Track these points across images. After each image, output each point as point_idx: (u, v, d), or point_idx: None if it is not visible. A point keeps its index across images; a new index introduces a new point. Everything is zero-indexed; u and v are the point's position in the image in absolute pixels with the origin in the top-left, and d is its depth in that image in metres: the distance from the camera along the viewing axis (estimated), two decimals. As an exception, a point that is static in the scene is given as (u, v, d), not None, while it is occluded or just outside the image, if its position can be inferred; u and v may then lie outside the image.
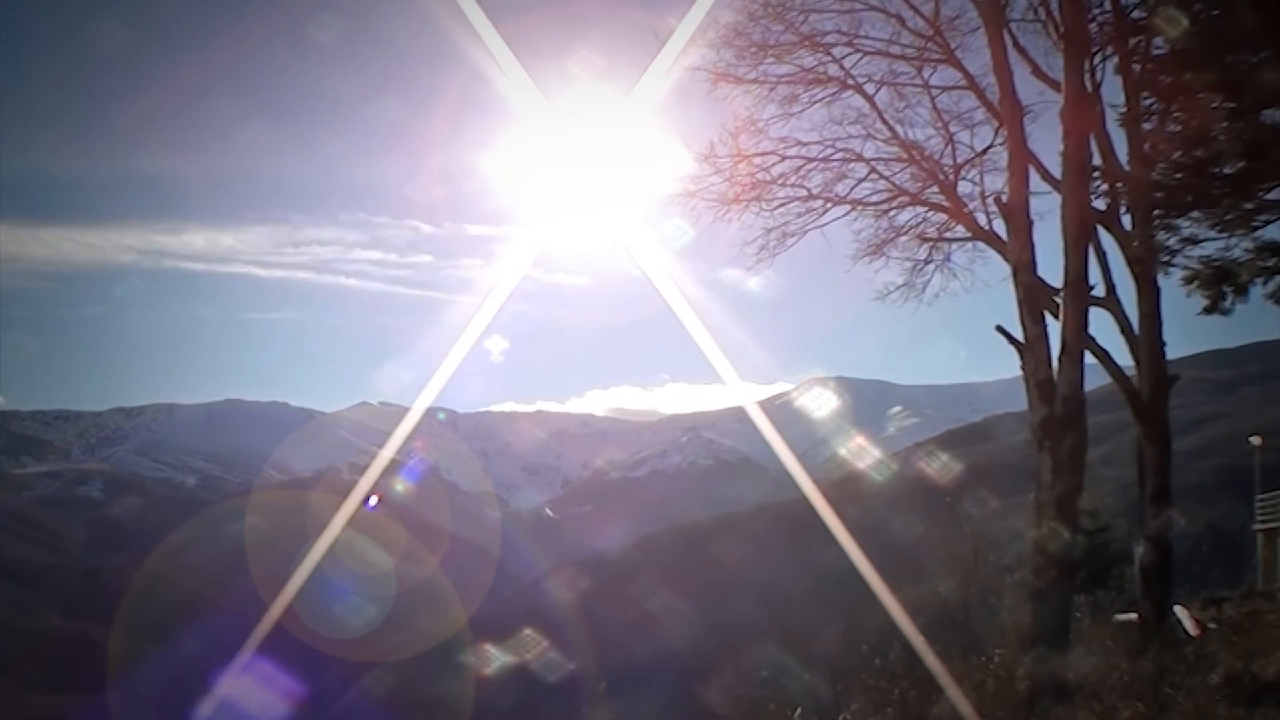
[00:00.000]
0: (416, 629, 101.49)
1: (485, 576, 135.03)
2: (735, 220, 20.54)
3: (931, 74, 19.98)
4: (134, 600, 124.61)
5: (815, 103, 20.11)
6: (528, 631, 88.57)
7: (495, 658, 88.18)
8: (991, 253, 19.98)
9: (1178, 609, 18.63)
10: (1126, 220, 19.98)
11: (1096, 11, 18.99)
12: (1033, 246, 17.13)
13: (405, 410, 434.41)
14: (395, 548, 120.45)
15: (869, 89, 20.05)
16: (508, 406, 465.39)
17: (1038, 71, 19.08)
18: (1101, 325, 19.09)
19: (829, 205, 20.65)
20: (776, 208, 20.54)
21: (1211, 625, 16.96)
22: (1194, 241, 19.21)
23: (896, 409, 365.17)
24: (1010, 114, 17.35)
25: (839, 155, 20.41)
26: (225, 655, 79.79)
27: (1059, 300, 16.83)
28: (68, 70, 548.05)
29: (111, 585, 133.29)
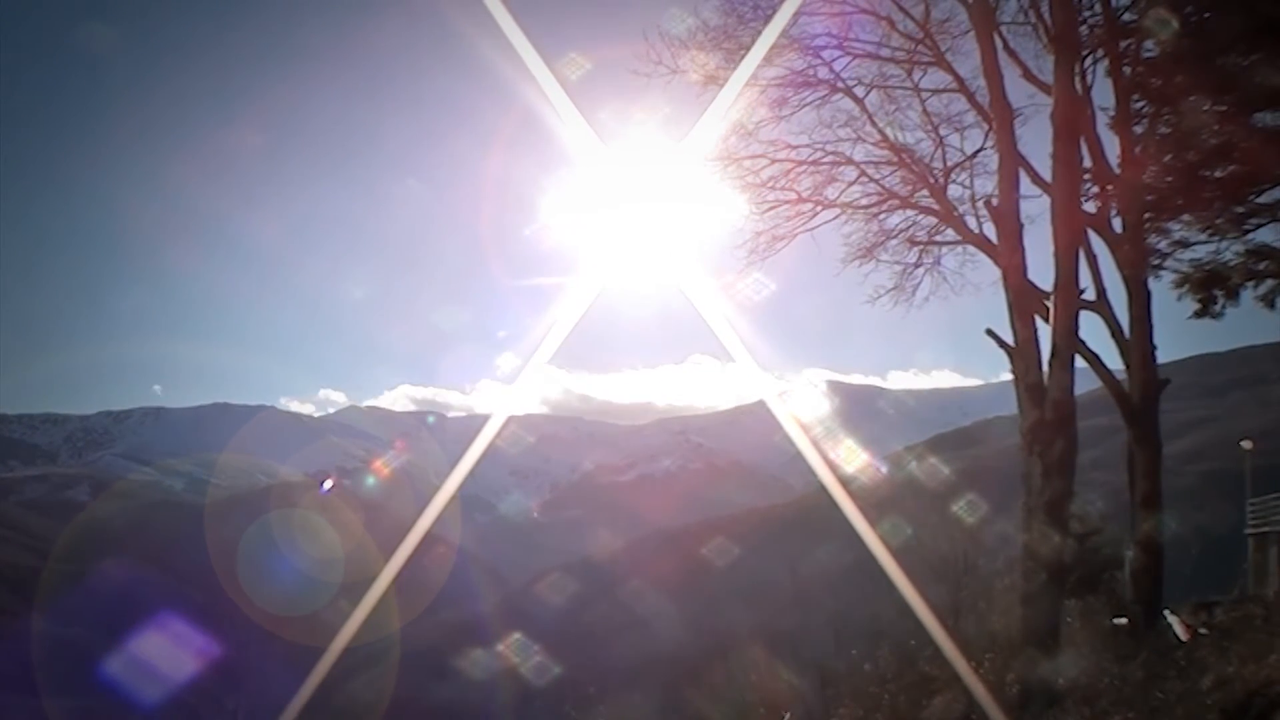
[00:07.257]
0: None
1: (469, 580, 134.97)
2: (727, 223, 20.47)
3: (921, 77, 19.92)
4: (121, 604, 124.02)
5: (805, 105, 19.96)
6: (515, 635, 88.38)
7: (482, 661, 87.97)
8: (982, 256, 19.91)
9: (1168, 614, 18.59)
10: (1117, 224, 19.95)
11: (1087, 14, 18.94)
12: (1023, 250, 17.05)
13: (393, 414, 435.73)
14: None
15: (859, 92, 19.95)
16: (498, 408, 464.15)
17: (1028, 74, 19.02)
18: (1092, 329, 19.09)
19: (819, 208, 20.53)
20: (766, 211, 20.40)
21: (1202, 630, 16.94)
22: (1185, 245, 19.27)
23: (887, 412, 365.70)
24: (1000, 117, 17.24)
25: (829, 158, 20.29)
26: (213, 658, 79.63)
27: (1049, 304, 16.74)
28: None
29: (98, 589, 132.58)
